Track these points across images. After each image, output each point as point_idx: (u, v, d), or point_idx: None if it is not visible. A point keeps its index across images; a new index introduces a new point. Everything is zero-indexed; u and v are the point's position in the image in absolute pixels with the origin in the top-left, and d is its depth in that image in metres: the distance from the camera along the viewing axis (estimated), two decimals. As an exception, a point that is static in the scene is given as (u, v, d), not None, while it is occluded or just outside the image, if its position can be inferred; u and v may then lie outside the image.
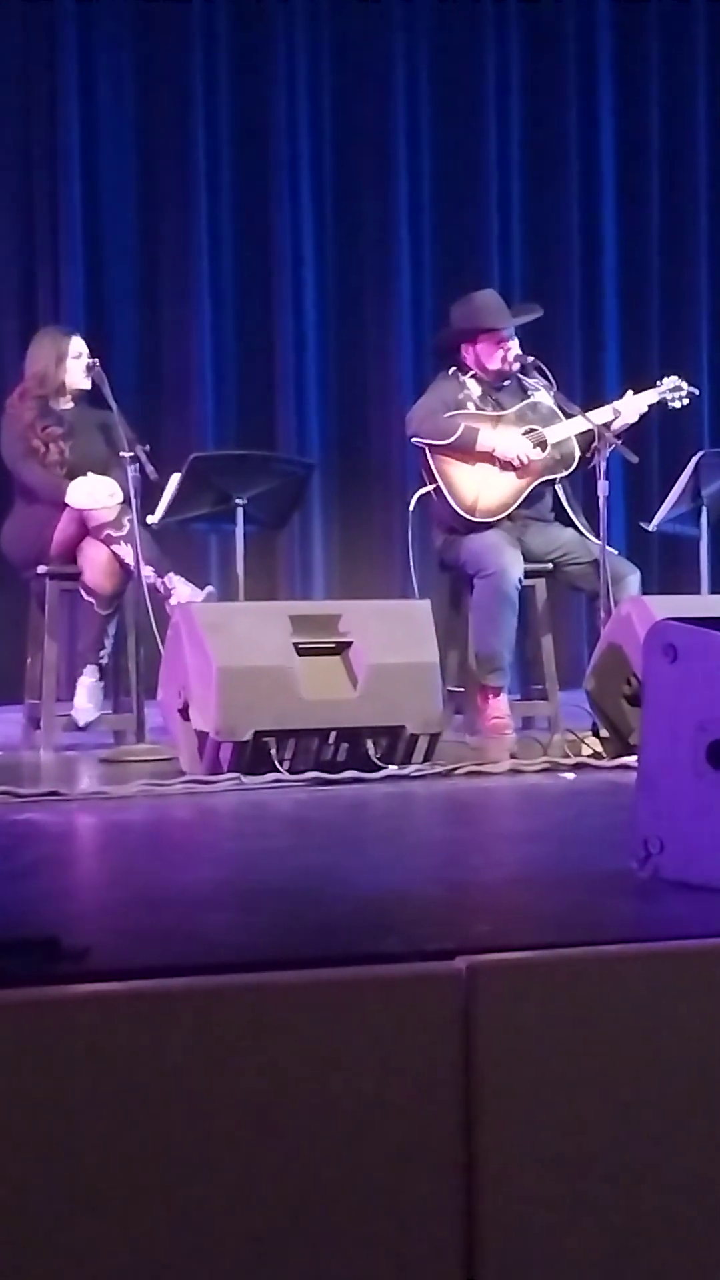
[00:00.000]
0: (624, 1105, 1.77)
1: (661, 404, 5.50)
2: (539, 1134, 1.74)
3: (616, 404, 5.42)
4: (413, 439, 5.36)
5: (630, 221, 7.71)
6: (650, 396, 5.44)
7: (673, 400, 5.49)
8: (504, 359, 5.38)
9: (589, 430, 5.23)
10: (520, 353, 5.41)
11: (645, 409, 5.43)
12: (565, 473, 5.39)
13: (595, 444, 5.16)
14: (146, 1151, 1.64)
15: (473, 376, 5.42)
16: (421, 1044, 1.71)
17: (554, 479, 5.38)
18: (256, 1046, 1.67)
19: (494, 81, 7.56)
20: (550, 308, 6.08)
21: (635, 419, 5.40)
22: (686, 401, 5.54)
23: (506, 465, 5.28)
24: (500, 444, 5.27)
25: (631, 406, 5.40)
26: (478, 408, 5.36)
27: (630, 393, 5.46)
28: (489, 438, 5.27)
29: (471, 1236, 1.72)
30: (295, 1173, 1.67)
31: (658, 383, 5.51)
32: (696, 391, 5.64)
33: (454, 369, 5.45)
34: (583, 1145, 1.76)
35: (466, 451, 5.26)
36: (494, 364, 5.39)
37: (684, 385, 5.50)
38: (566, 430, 5.35)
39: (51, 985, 1.68)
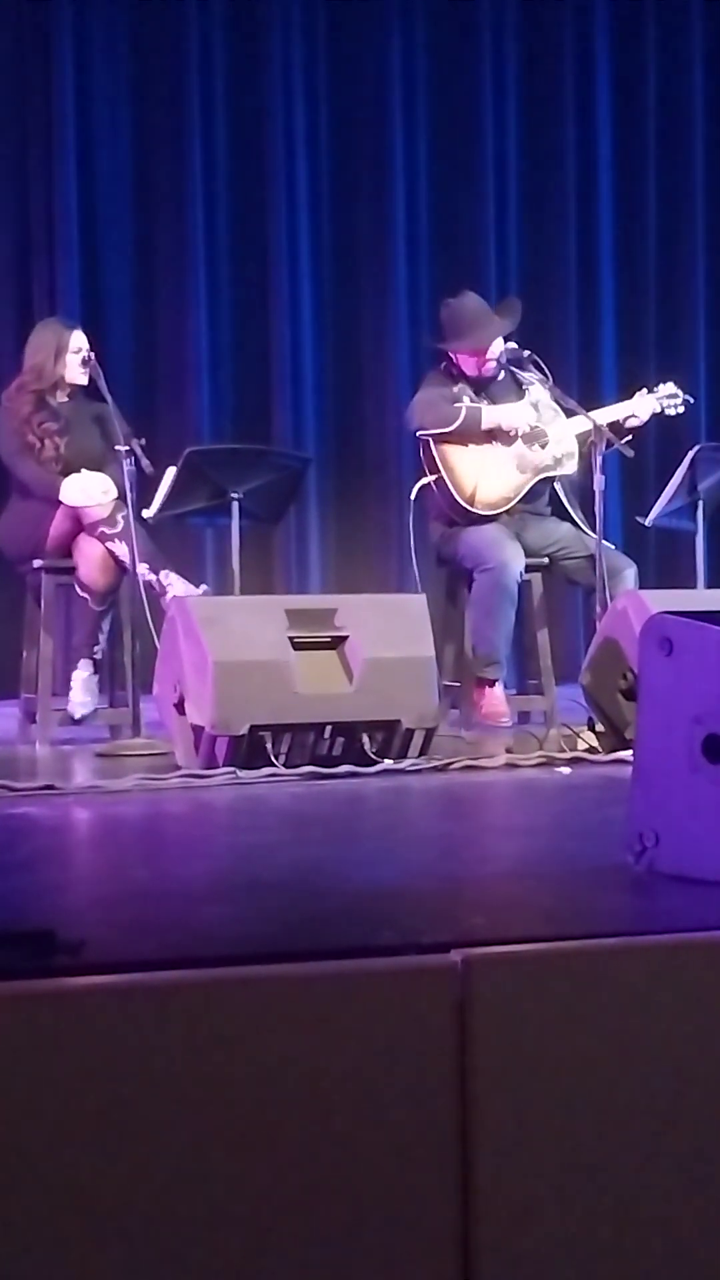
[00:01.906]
0: (620, 1098, 1.77)
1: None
2: (535, 1127, 1.75)
3: (629, 404, 5.42)
4: (416, 432, 5.38)
5: (627, 220, 7.71)
6: (651, 403, 5.44)
7: (668, 407, 5.50)
8: (481, 367, 5.41)
9: (588, 428, 5.23)
10: (508, 346, 5.42)
11: (653, 412, 5.44)
12: (565, 472, 5.40)
13: (593, 439, 5.17)
14: (142, 1144, 1.64)
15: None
16: (417, 1037, 1.71)
17: (553, 476, 5.40)
18: (252, 1039, 1.67)
19: (491, 82, 7.56)
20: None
21: (647, 418, 5.42)
22: (682, 409, 5.54)
23: (511, 441, 5.30)
24: (504, 417, 5.30)
25: (645, 406, 5.41)
26: (472, 400, 5.38)
27: (644, 390, 5.47)
28: (493, 414, 5.30)
29: (467, 1229, 1.72)
30: (291, 1166, 1.67)
31: (655, 388, 5.51)
32: (692, 399, 5.64)
33: (445, 364, 5.48)
34: (579, 1138, 1.76)
35: (472, 433, 5.28)
36: (472, 371, 5.43)
37: (680, 392, 5.50)
38: (568, 429, 5.36)
39: (47, 978, 1.67)
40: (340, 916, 2.14)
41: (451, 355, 5.46)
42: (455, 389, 5.38)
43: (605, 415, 5.33)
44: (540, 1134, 1.75)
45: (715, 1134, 1.80)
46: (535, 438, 5.35)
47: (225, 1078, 1.66)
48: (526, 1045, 1.74)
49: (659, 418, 5.53)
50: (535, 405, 5.44)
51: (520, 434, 5.30)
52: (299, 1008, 1.70)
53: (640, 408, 5.43)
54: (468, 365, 5.43)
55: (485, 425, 5.29)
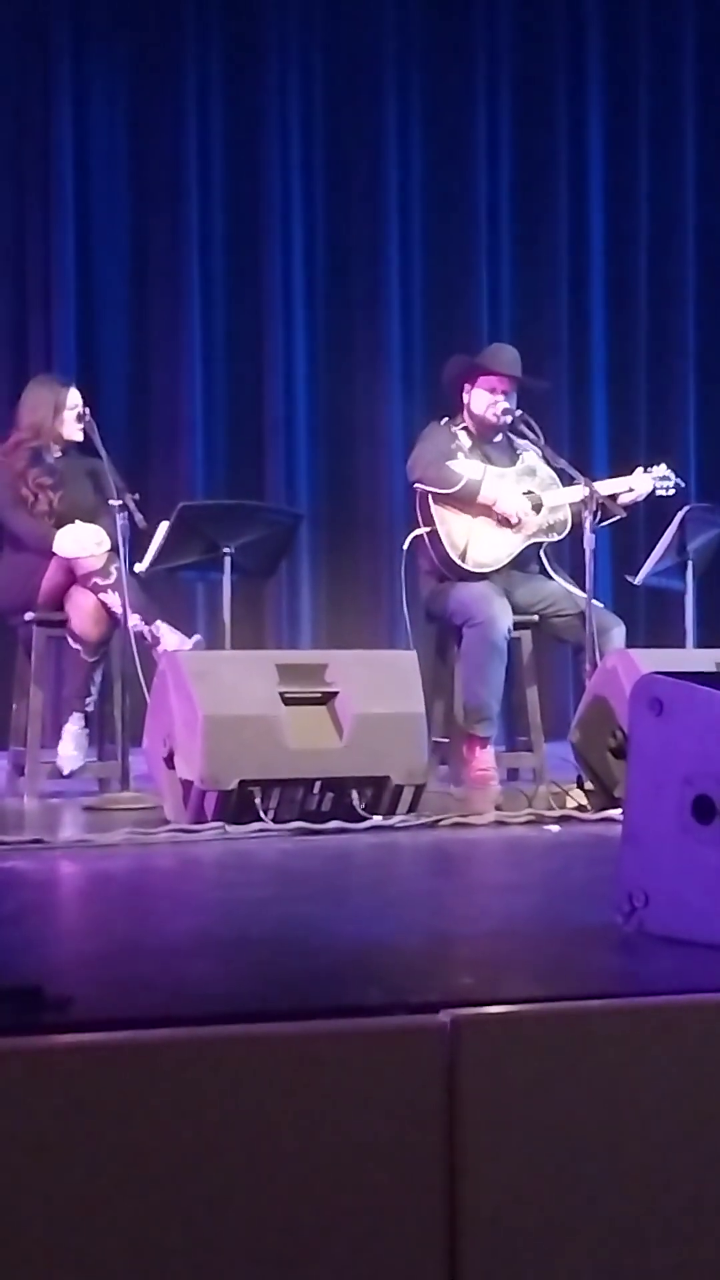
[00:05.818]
0: (608, 1160, 1.77)
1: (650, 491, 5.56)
2: (523, 1188, 1.74)
3: (627, 479, 5.47)
4: (416, 484, 5.40)
5: (618, 286, 7.77)
6: (649, 482, 5.48)
7: (661, 489, 5.54)
8: (492, 408, 5.41)
9: (584, 495, 5.26)
10: (509, 406, 5.44)
11: (648, 491, 5.48)
12: (558, 538, 5.44)
13: (590, 505, 5.19)
14: (127, 1203, 1.63)
15: (463, 429, 5.46)
16: (405, 1097, 1.70)
17: (545, 542, 5.43)
18: (239, 1098, 1.66)
19: (485, 143, 7.64)
20: (538, 368, 6.13)
21: (643, 496, 5.46)
22: (672, 492, 5.58)
23: (503, 520, 5.33)
24: (501, 498, 5.32)
25: (643, 484, 5.45)
26: (467, 459, 5.40)
27: (641, 469, 5.51)
28: (491, 490, 5.31)
29: (453, 1293, 1.71)
30: (278, 1227, 1.66)
31: (650, 469, 5.55)
32: (683, 484, 5.69)
33: (445, 419, 5.50)
34: (566, 1199, 1.75)
35: (468, 502, 5.31)
36: (480, 409, 5.43)
37: (672, 475, 5.55)
38: (563, 498, 5.39)
39: (34, 1035, 1.67)
40: (328, 975, 2.13)
41: (465, 393, 5.47)
42: (452, 446, 5.40)
43: (603, 488, 5.36)
44: (529, 1194, 1.74)
45: (705, 1194, 1.80)
46: (532, 503, 5.38)
47: (212, 1136, 1.65)
48: (515, 1106, 1.74)
49: (651, 496, 5.57)
50: (532, 470, 5.46)
51: (514, 521, 5.32)
52: (286, 1067, 1.69)
53: (638, 484, 5.48)
54: (480, 402, 5.43)
55: (482, 499, 5.32)
